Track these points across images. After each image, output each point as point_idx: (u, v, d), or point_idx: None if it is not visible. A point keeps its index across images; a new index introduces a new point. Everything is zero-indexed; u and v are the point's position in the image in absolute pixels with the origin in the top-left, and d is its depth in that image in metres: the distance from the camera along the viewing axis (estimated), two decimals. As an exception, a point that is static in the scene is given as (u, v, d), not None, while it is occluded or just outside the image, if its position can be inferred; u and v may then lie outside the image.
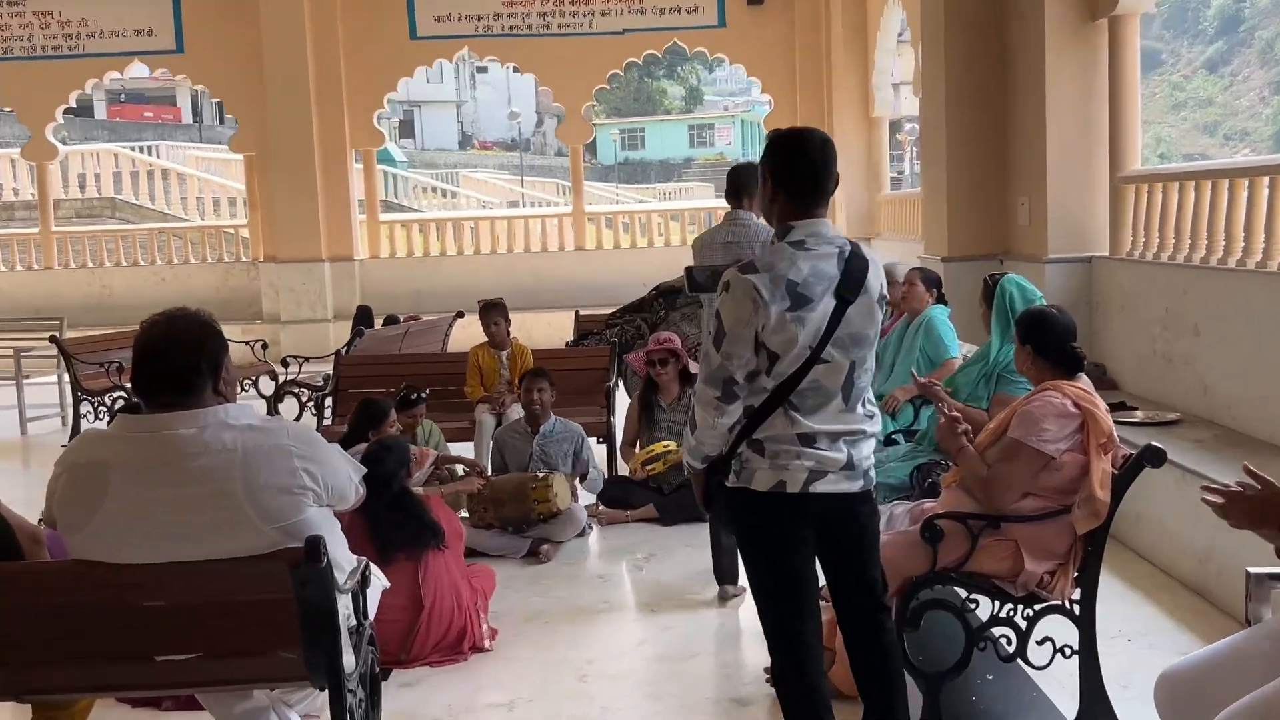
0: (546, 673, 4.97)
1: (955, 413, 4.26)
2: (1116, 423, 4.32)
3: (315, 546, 3.13)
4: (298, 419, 10.51)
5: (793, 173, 3.36)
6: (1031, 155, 8.45)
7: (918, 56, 11.45)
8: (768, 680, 4.21)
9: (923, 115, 10.21)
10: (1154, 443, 3.90)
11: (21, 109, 17.74)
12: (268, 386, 11.78)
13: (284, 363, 11.51)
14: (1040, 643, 3.99)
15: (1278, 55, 64.00)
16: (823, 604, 3.80)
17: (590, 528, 7.10)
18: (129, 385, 3.42)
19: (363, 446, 5.62)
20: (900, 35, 15.36)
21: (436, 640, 5.09)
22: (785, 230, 3.36)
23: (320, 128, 16.59)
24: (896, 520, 4.41)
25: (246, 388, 12.70)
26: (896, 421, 6.60)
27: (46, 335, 11.64)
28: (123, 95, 47.80)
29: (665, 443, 7.26)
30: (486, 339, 8.77)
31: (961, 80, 9.05)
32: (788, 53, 17.22)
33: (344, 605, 3.44)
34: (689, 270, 5.60)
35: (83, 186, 26.25)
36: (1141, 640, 4.96)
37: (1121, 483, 3.95)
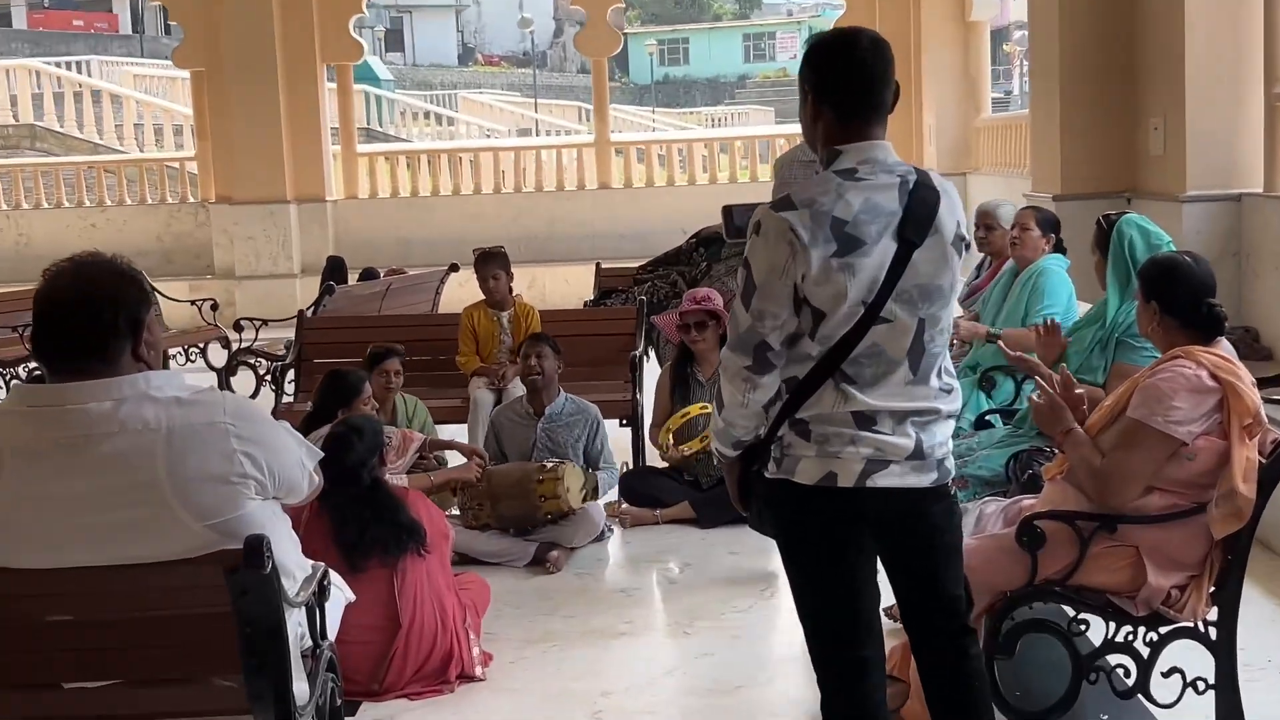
0: (551, 709, 4.96)
1: (1058, 387, 4.21)
2: (1266, 401, 4.27)
3: (257, 548, 3.13)
4: (254, 395, 10.58)
5: (837, 83, 3.30)
6: (1167, 67, 8.37)
7: (1026, -56, 11.33)
8: None
9: (1032, 19, 10.10)
10: (1313, 425, 3.86)
11: (-82, 15, 17.91)
12: (219, 356, 11.87)
13: (238, 326, 11.56)
14: (1166, 674, 3.98)
15: None
16: (893, 625, 3.77)
17: (610, 530, 7.09)
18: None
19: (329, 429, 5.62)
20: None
21: (416, 667, 5.08)
22: (832, 156, 3.31)
23: (284, 37, 16.59)
24: (987, 521, 4.39)
25: (194, 357, 12.84)
26: (992, 399, 6.55)
27: (-55, 293, 11.78)
28: (47, 0, 48.18)
29: (704, 404, 7.19)
30: (484, 297, 8.76)
31: (1081, -27, 9.00)
32: (865, -60, 17.08)
33: (295, 621, 3.45)
34: (727, 211, 5.58)
35: (-6, 110, 26.49)
36: (1295, 672, 4.93)
37: (1270, 475, 3.91)
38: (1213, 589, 3.96)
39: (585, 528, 6.79)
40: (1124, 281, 5.33)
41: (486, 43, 64.21)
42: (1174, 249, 5.11)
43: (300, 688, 3.37)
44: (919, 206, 3.24)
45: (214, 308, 13.13)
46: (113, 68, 32.40)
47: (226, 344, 11.98)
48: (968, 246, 3.41)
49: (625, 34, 32.69)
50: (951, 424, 3.39)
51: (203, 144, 18.00)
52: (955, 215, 3.32)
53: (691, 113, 46.76)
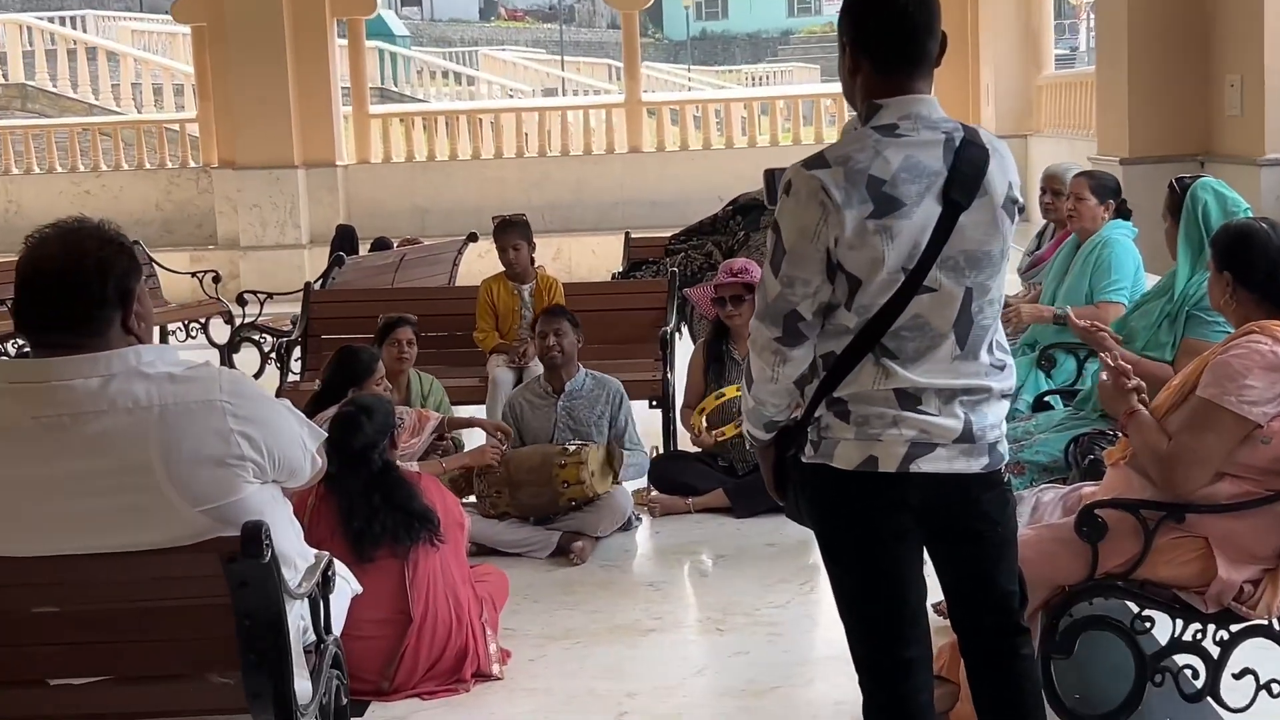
0: (573, 710, 4.97)
1: (1125, 364, 4.19)
2: (1350, 380, 4.23)
3: (255, 535, 3.14)
4: (259, 373, 10.61)
5: (877, 30, 3.27)
6: (1245, 23, 8.33)
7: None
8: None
9: (1098, -33, 10.09)
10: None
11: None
12: (221, 332, 11.92)
13: (241, 300, 11.62)
14: (1239, 676, 3.97)
15: None
16: (941, 622, 3.75)
17: (638, 519, 7.11)
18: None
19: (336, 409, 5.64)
20: None
21: (429, 664, 5.10)
22: (871, 111, 3.27)
23: (292, -11, 16.64)
24: (1044, 510, 4.38)
25: (195, 333, 12.89)
26: (1051, 378, 6.51)
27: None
28: (39, -50, 48.30)
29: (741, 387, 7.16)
30: (504, 269, 8.77)
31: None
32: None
33: (297, 615, 3.46)
34: (769, 175, 5.55)
35: (-17, 69, 26.66)
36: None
37: (1354, 461, 3.89)
38: (1290, 584, 3.95)
39: (611, 516, 6.79)
40: (1196, 250, 5.28)
41: (510, -5, 64.31)
42: (1251, 215, 5.07)
43: (302, 685, 3.38)
44: (966, 166, 3.21)
45: (216, 280, 13.17)
46: (109, 23, 32.49)
47: (229, 319, 12.02)
48: (1021, 210, 3.37)
49: (659, -14, 32.65)
50: (1005, 404, 3.36)
51: (204, 104, 18.05)
52: (1007, 175, 3.28)
53: (730, 70, 46.67)
